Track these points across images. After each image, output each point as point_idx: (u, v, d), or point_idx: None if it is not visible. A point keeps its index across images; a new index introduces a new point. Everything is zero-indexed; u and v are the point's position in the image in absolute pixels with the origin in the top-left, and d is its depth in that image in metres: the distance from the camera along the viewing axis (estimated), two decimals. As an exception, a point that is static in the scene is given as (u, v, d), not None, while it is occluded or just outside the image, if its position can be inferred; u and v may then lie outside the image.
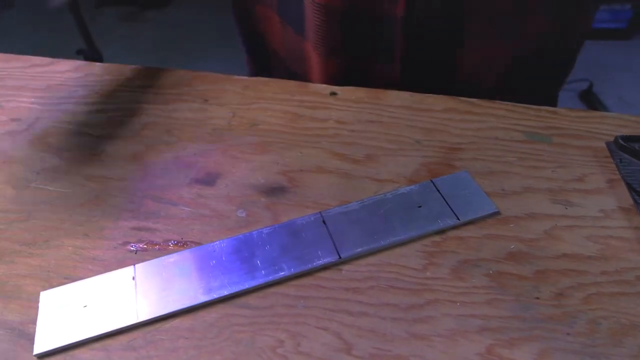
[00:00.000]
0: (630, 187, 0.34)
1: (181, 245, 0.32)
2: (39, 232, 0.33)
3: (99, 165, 0.38)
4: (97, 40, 1.38)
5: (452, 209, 0.33)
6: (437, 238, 0.32)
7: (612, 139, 0.37)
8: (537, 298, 0.28)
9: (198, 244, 0.32)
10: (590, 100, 1.61)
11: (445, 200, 0.34)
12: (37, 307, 0.29)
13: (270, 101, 0.43)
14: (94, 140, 0.40)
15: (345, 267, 0.30)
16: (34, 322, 0.28)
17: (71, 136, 0.40)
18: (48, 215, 0.34)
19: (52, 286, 0.30)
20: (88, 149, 0.39)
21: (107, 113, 0.43)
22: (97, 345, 0.27)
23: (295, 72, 0.53)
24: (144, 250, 0.32)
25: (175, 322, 0.28)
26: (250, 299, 0.29)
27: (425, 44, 0.45)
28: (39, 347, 0.27)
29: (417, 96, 0.43)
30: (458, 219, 0.32)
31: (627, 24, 1.86)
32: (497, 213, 0.33)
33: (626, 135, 0.36)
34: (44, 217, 0.34)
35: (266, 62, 0.58)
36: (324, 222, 0.32)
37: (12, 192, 0.36)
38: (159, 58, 1.88)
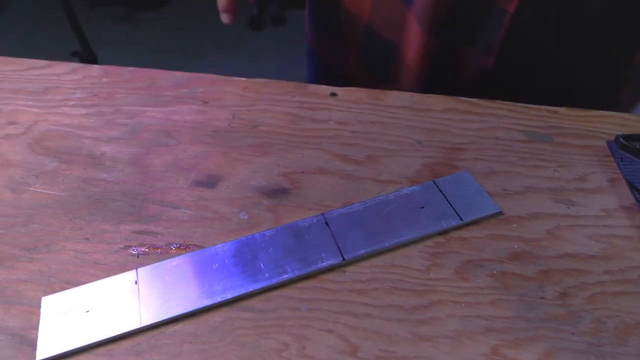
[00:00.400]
0: (631, 185, 0.34)
1: (183, 248, 0.32)
2: (39, 237, 0.33)
3: (98, 168, 0.37)
4: (91, 42, 1.37)
5: (454, 210, 0.33)
6: (440, 239, 0.32)
7: (612, 137, 0.37)
8: (542, 298, 0.28)
9: (200, 247, 0.32)
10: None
11: (448, 201, 0.33)
12: (39, 312, 0.28)
13: (270, 102, 0.43)
14: (93, 143, 0.40)
15: (349, 269, 0.30)
16: (35, 327, 0.28)
17: (70, 139, 0.40)
18: (48, 219, 0.34)
19: (53, 291, 0.29)
20: (87, 152, 0.39)
21: (105, 115, 0.42)
22: (100, 350, 0.27)
23: (387, 39, 0.51)
24: (145, 254, 0.32)
25: (179, 326, 0.28)
26: (254, 302, 0.29)
27: (527, 45, 0.45)
28: (42, 353, 0.26)
29: (417, 96, 0.43)
30: (461, 219, 0.32)
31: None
32: (500, 213, 0.33)
33: (627, 134, 0.36)
34: (43, 221, 0.34)
35: (335, 27, 0.56)
36: (326, 223, 0.32)
37: (10, 196, 0.36)
38: (154, 59, 1.88)
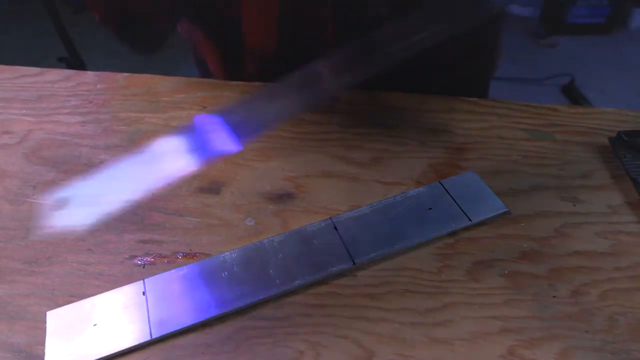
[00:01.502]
0: (635, 182, 0.34)
1: (190, 257, 0.31)
2: (40, 249, 0.32)
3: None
4: (77, 47, 1.35)
5: (463, 210, 0.33)
6: (449, 240, 0.32)
7: (613, 134, 0.38)
8: (554, 297, 0.28)
9: (208, 255, 0.31)
10: (573, 94, 1.63)
11: (456, 202, 0.33)
12: (44, 327, 0.27)
13: (270, 106, 0.43)
14: (90, 151, 0.39)
15: (360, 273, 0.30)
16: (41, 343, 0.27)
17: (67, 147, 0.39)
18: (48, 231, 0.33)
19: (57, 305, 0.29)
20: (85, 161, 0.38)
21: (102, 123, 0.42)
22: (110, 364, 0.26)
23: None
24: (151, 263, 0.31)
25: (191, 337, 0.27)
26: (266, 310, 0.28)
27: None
28: (50, 369, 0.26)
29: (418, 97, 0.43)
30: (470, 219, 0.32)
31: (606, 19, 1.90)
32: (508, 212, 0.33)
33: (629, 131, 0.36)
34: (44, 233, 0.33)
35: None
36: (335, 228, 0.32)
37: (8, 207, 0.35)
38: (143, 64, 1.85)
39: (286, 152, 0.38)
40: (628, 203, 0.34)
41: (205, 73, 0.54)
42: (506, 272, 0.30)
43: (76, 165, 0.38)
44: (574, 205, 0.34)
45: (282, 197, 0.35)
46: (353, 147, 0.38)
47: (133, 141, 0.40)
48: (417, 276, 0.30)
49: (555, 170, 0.36)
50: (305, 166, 0.37)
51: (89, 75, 0.47)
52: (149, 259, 0.31)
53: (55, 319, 0.28)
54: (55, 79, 0.47)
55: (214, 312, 0.28)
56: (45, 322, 0.28)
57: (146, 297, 0.28)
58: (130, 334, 0.27)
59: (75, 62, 1.31)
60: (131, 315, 0.28)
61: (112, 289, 0.29)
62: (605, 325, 0.27)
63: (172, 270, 0.30)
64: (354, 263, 0.30)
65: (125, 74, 0.46)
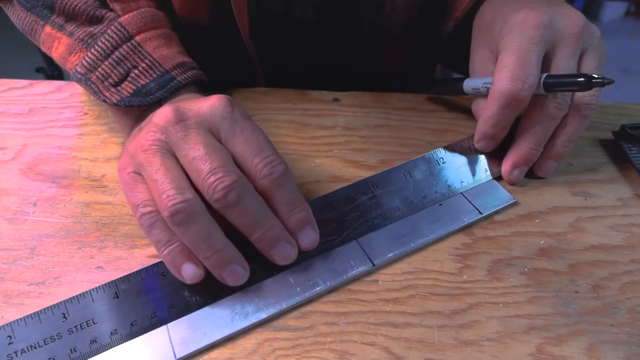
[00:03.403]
0: (642, 174, 0.34)
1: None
2: (47, 269, 0.31)
3: (101, 190, 0.35)
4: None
5: (472, 204, 0.33)
6: (467, 239, 0.32)
7: (615, 128, 0.38)
8: (576, 292, 0.29)
9: (223, 267, 0.30)
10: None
11: (465, 197, 0.33)
12: (59, 351, 0.26)
13: (272, 111, 0.42)
14: (90, 164, 0.38)
15: (382, 278, 0.30)
16: (58, 368, 0.26)
17: (65, 162, 0.38)
18: (54, 249, 0.32)
19: (71, 327, 0.27)
20: (86, 175, 0.37)
21: (99, 135, 0.40)
22: (134, 387, 0.25)
23: None
24: (166, 278, 0.30)
25: (214, 353, 0.26)
26: (289, 320, 0.28)
27: None
28: (69, 395, 0.24)
29: (421, 97, 0.43)
30: (480, 212, 0.32)
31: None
32: (516, 203, 0.33)
33: (632, 124, 0.37)
34: (49, 252, 0.31)
35: None
36: (351, 232, 0.31)
37: (9, 227, 0.33)
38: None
39: (294, 158, 0.38)
40: (637, 195, 0.34)
41: None
42: (526, 269, 0.30)
43: (76, 180, 0.36)
44: (585, 200, 0.34)
45: (294, 204, 0.34)
46: (360, 150, 0.38)
47: (134, 152, 0.38)
48: (439, 278, 0.30)
49: (563, 166, 0.36)
50: (315, 171, 0.36)
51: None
52: (162, 274, 0.30)
53: (71, 342, 0.26)
54: (46, 90, 0.45)
55: (238, 326, 0.27)
56: (59, 345, 0.26)
57: (165, 314, 0.27)
58: (153, 356, 0.26)
59: (53, 72, 1.27)
60: (151, 335, 0.27)
61: (126, 307, 0.28)
62: (629, 317, 0.27)
63: (189, 285, 0.29)
64: (373, 264, 0.30)
65: (120, 84, 0.45)
